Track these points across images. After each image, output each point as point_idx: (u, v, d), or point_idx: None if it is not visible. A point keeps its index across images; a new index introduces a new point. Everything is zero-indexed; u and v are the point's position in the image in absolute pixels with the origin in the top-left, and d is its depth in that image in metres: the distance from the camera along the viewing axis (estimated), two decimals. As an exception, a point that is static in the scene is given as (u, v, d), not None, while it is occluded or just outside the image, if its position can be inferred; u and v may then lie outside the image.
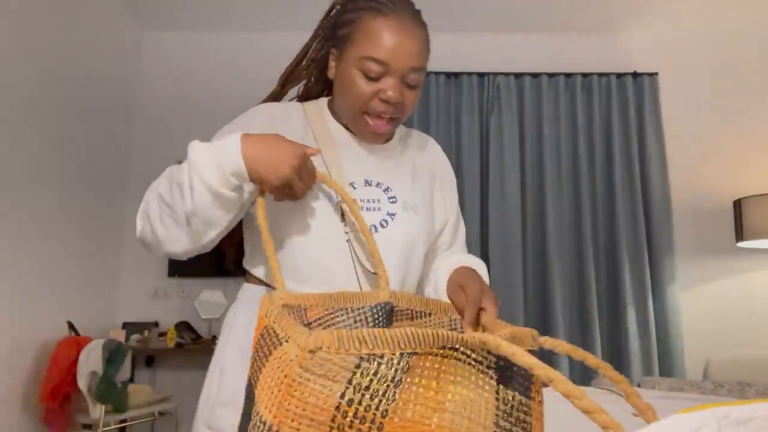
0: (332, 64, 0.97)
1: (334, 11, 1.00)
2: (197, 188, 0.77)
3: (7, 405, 2.50)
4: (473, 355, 0.50)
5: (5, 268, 2.49)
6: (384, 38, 0.88)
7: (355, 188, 0.96)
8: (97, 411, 2.53)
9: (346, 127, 1.01)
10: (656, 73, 3.52)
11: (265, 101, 1.04)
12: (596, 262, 3.32)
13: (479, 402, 0.50)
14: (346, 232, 0.92)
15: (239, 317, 0.95)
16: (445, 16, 3.48)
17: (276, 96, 1.06)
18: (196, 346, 3.18)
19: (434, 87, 3.47)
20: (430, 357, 0.48)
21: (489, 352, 0.50)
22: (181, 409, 3.05)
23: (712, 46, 3.63)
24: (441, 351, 0.49)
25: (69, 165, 2.97)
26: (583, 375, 3.14)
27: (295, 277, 0.90)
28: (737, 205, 3.18)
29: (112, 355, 2.58)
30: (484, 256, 3.30)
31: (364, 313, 0.80)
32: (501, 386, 0.51)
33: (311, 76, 1.05)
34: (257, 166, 0.77)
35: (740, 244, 3.21)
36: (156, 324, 3.38)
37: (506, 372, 0.51)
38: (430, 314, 0.87)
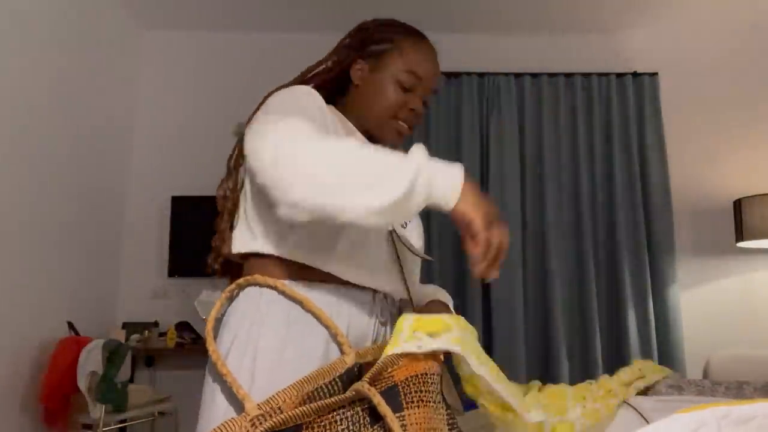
0: (359, 72, 1.08)
1: (366, 30, 1.12)
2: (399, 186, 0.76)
3: (7, 405, 2.50)
4: None
5: (5, 268, 2.48)
6: (426, 59, 1.08)
7: None
8: (97, 411, 2.52)
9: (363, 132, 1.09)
10: (656, 73, 3.52)
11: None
12: (596, 262, 3.32)
13: None
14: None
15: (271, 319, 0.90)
16: (445, 16, 3.47)
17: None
18: (196, 346, 3.17)
19: (434, 87, 3.47)
20: None
21: None
22: (181, 409, 3.05)
23: (712, 45, 3.63)
24: None
25: (69, 163, 2.97)
26: (583, 375, 3.14)
27: (337, 258, 0.94)
28: (737, 205, 3.17)
29: (112, 355, 2.58)
30: (484, 256, 3.29)
31: (336, 384, 0.80)
32: None
33: (327, 79, 1.12)
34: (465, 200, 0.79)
35: (740, 244, 3.21)
36: (156, 324, 3.37)
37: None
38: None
